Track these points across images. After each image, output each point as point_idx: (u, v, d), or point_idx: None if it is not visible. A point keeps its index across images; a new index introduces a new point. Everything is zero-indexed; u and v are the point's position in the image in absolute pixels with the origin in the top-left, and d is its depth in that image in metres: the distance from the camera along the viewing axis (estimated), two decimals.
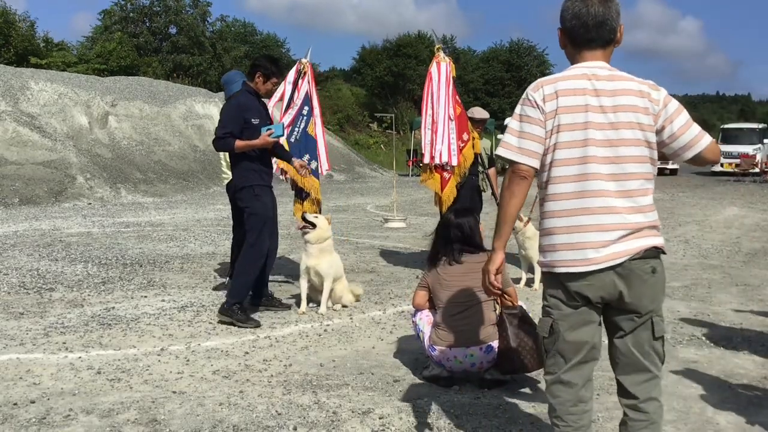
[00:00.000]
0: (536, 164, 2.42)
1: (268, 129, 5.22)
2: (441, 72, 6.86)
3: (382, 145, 34.48)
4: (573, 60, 2.51)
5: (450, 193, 6.87)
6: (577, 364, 2.48)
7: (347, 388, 3.84)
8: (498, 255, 2.49)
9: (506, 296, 3.58)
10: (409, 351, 4.52)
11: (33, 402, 3.59)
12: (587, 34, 2.42)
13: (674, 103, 2.42)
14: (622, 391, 2.51)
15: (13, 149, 15.74)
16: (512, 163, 2.43)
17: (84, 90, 19.27)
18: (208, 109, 22.60)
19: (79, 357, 4.35)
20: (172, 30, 38.62)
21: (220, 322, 5.13)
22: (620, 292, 2.37)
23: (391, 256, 8.28)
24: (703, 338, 4.78)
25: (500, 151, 2.46)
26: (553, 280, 2.46)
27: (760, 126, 29.94)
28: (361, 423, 3.35)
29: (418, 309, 4.09)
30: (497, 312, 3.76)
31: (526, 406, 3.59)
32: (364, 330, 5.05)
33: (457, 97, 6.96)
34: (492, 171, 7.65)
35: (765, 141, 27.70)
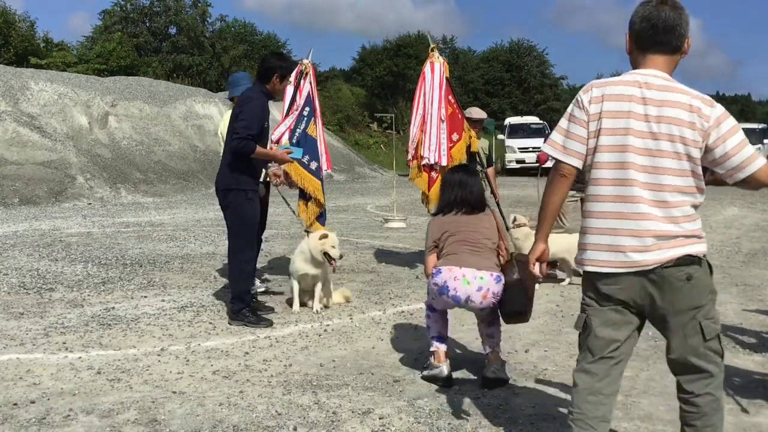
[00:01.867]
0: (578, 164, 2.51)
1: (286, 148, 5.27)
2: (435, 72, 6.87)
3: (382, 145, 34.46)
4: (635, 66, 2.55)
5: (437, 191, 6.88)
6: (602, 359, 2.55)
7: (347, 388, 3.84)
8: (539, 245, 2.62)
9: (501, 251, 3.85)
10: (409, 351, 4.52)
11: (33, 402, 3.59)
12: (655, 37, 2.46)
13: (729, 122, 2.43)
14: (679, 387, 2.60)
15: (13, 149, 15.74)
16: (556, 161, 2.53)
17: (84, 90, 19.26)
18: (208, 109, 22.59)
19: (79, 357, 4.35)
20: (172, 30, 38.62)
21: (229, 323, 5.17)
22: (651, 297, 2.43)
23: (391, 256, 8.28)
24: None
25: (546, 148, 2.58)
26: (587, 278, 2.56)
27: (761, 126, 29.93)
28: (361, 423, 3.35)
29: (432, 273, 3.79)
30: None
31: (526, 406, 3.59)
32: (364, 330, 5.05)
33: (450, 97, 6.96)
34: (491, 170, 7.66)
35: (765, 141, 27.70)
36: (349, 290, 6.01)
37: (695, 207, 2.45)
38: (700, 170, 2.44)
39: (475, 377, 4.02)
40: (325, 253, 5.39)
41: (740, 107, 59.37)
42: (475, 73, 44.59)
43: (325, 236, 5.44)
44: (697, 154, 2.41)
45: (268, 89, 5.22)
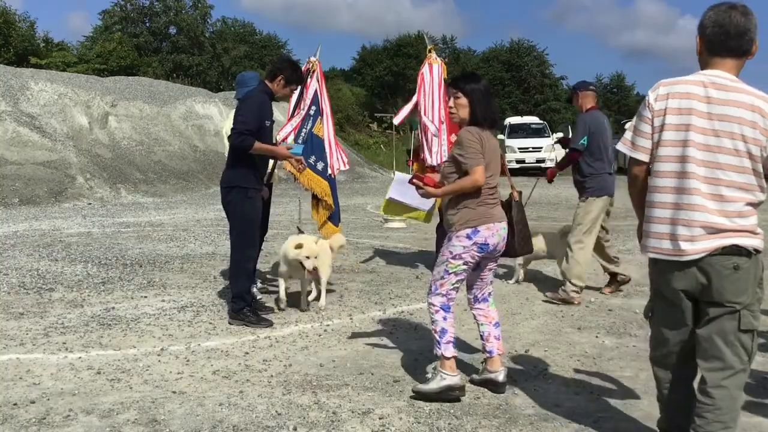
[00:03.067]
0: (645, 159, 2.70)
1: (287, 145, 5.30)
2: (433, 74, 6.86)
3: (382, 145, 34.44)
4: (703, 67, 2.67)
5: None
6: (670, 353, 2.77)
7: (347, 388, 3.84)
8: (639, 230, 2.85)
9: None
10: (409, 351, 4.52)
11: (33, 402, 3.59)
12: (727, 42, 2.58)
13: None
14: (701, 379, 2.67)
15: (13, 149, 15.73)
16: (629, 157, 2.75)
17: (84, 90, 19.26)
18: (208, 109, 22.59)
19: (79, 357, 4.35)
20: (172, 30, 38.62)
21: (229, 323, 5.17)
22: (702, 284, 2.57)
23: (391, 256, 8.28)
24: None
25: (619, 146, 2.81)
26: (650, 265, 2.76)
27: None
28: (361, 423, 3.35)
29: (469, 233, 3.64)
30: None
31: (526, 406, 3.59)
32: (364, 330, 5.05)
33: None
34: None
35: None
36: (341, 238, 6.16)
37: (753, 205, 2.57)
38: (760, 168, 2.55)
39: (475, 377, 4.02)
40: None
41: None
42: None
43: (300, 246, 5.29)
44: (757, 152, 2.52)
45: (270, 89, 5.23)
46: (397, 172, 6.76)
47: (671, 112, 2.59)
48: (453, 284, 3.70)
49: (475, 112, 3.69)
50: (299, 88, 6.60)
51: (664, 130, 2.61)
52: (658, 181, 2.66)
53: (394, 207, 6.63)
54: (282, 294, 5.56)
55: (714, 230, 2.53)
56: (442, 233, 7.17)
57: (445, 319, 3.73)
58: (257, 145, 5.00)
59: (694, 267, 2.55)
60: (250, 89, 5.39)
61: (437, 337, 3.71)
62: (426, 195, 3.75)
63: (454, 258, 3.64)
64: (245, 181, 5.11)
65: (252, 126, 4.98)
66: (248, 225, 5.17)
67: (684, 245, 2.56)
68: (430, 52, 7.04)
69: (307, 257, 5.28)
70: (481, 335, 3.94)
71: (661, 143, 2.62)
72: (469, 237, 3.62)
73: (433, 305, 3.74)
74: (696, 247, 2.54)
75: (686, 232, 2.55)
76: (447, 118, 6.85)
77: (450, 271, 3.67)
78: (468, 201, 3.63)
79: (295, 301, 5.68)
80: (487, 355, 3.88)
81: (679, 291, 2.63)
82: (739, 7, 2.57)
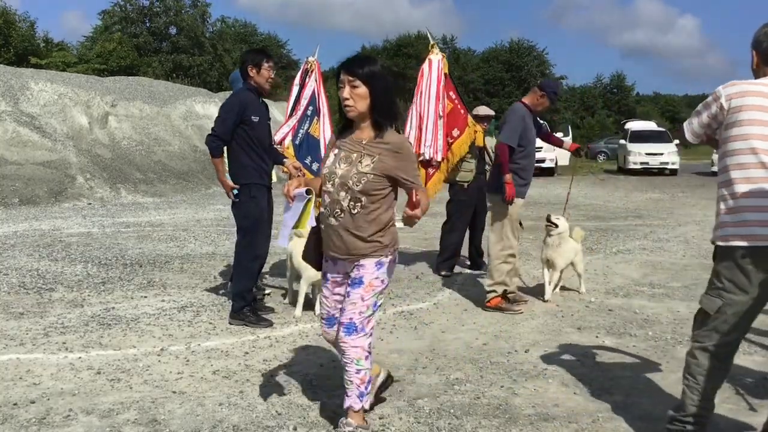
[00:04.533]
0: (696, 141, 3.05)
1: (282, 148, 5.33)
2: (432, 68, 6.83)
3: None
4: (757, 76, 2.90)
5: (434, 187, 6.84)
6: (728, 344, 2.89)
7: None
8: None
9: None
10: (409, 351, 4.52)
11: (33, 402, 3.59)
12: None
13: None
14: None
15: (13, 149, 15.73)
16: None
17: (84, 90, 19.26)
18: (208, 109, 22.59)
19: (79, 357, 4.35)
20: (172, 30, 38.63)
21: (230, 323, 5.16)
22: None
23: None
24: None
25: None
26: (734, 255, 2.80)
27: None
28: None
29: None
30: None
31: (526, 406, 3.59)
32: None
33: (451, 93, 6.89)
34: None
35: None
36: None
37: None
38: None
39: (475, 377, 4.02)
40: None
41: None
42: (475, 73, 44.61)
43: None
44: None
45: (251, 84, 5.23)
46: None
47: (746, 108, 2.78)
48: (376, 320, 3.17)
49: (380, 107, 3.01)
50: (299, 88, 6.61)
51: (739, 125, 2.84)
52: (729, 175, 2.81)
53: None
54: (302, 300, 5.43)
55: None
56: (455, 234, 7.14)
57: (371, 365, 3.15)
58: (217, 161, 5.12)
59: None
60: (242, 84, 5.48)
61: (363, 389, 3.12)
62: (412, 222, 2.93)
63: (385, 287, 3.12)
64: (246, 177, 5.10)
65: (226, 134, 5.05)
66: (251, 224, 5.15)
67: (760, 230, 2.68)
68: (432, 48, 7.01)
69: None
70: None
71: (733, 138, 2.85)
72: (395, 260, 3.17)
73: (362, 348, 3.06)
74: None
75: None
76: (447, 113, 6.82)
77: (378, 303, 3.11)
78: (390, 218, 3.13)
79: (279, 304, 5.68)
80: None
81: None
82: None
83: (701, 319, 2.91)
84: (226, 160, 5.24)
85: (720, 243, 2.81)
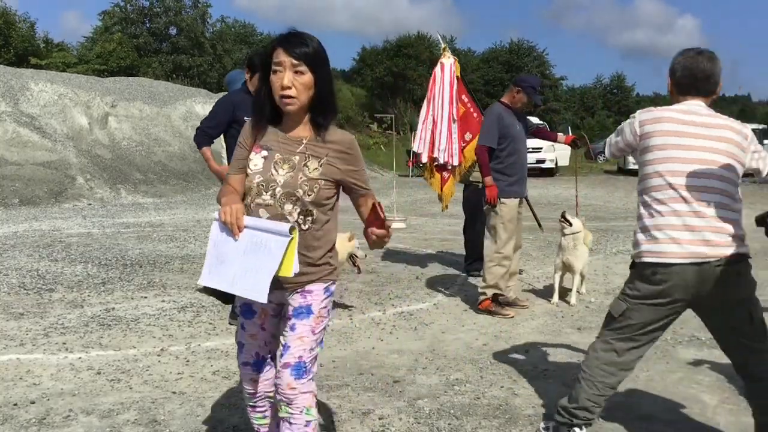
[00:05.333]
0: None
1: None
2: (445, 72, 6.81)
3: (382, 146, 34.44)
4: (672, 101, 2.98)
5: (449, 191, 6.84)
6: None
7: (347, 388, 3.83)
8: None
9: None
10: (409, 351, 4.52)
11: (33, 402, 3.59)
12: (695, 84, 2.89)
13: None
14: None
15: (13, 150, 15.73)
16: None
17: (84, 90, 19.26)
18: (208, 109, 22.46)
19: (79, 357, 4.35)
20: (172, 31, 38.62)
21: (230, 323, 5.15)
22: None
23: (391, 256, 8.28)
24: (703, 338, 4.78)
25: None
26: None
27: (761, 126, 29.91)
28: (361, 423, 3.35)
29: None
30: None
31: (526, 406, 3.59)
32: (364, 330, 5.05)
33: (464, 96, 6.85)
34: None
35: (765, 142, 27.67)
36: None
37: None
38: None
39: (475, 378, 4.02)
40: (350, 256, 5.30)
41: (740, 107, 59.33)
42: (475, 74, 44.56)
43: (352, 237, 5.31)
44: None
45: (248, 87, 5.24)
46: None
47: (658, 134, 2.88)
48: None
49: (324, 99, 2.41)
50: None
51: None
52: None
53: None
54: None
55: None
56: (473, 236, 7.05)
57: (318, 411, 2.58)
58: (204, 150, 5.12)
59: None
60: (237, 84, 5.53)
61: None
62: (382, 244, 2.37)
63: (329, 320, 2.64)
64: None
65: (211, 129, 5.10)
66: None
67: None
68: (444, 51, 6.97)
69: (357, 246, 5.30)
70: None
71: None
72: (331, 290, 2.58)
73: (313, 394, 2.47)
74: None
75: None
76: (459, 116, 6.77)
77: (322, 340, 2.57)
78: (336, 235, 2.58)
79: None
80: None
81: None
82: (705, 54, 2.88)
83: (608, 320, 3.01)
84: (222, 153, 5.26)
85: (635, 259, 2.89)
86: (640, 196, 2.91)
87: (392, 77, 40.93)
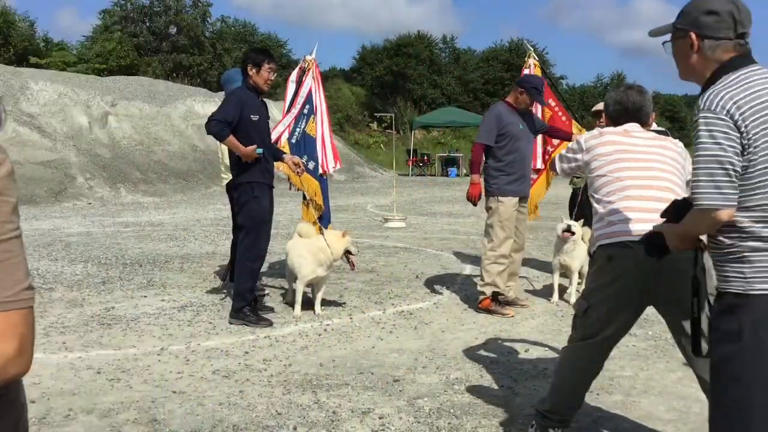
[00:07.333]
0: None
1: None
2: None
3: (381, 145, 34.46)
4: None
5: (539, 191, 6.66)
6: None
7: (347, 387, 3.84)
8: None
9: None
10: (409, 351, 4.52)
11: (33, 402, 3.59)
12: (626, 115, 3.07)
13: None
14: None
15: (13, 149, 15.73)
16: None
17: (84, 90, 19.26)
18: (208, 109, 22.55)
19: (79, 357, 4.35)
20: (172, 30, 38.59)
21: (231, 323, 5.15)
22: None
23: (391, 256, 8.28)
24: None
25: None
26: None
27: None
28: (361, 423, 3.35)
29: None
30: None
31: (526, 406, 3.59)
32: (364, 330, 5.05)
33: (551, 100, 6.62)
34: None
35: None
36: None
37: None
38: None
39: (475, 377, 4.02)
40: (345, 252, 5.36)
41: None
42: (475, 73, 44.56)
43: (345, 233, 5.41)
44: None
45: (250, 83, 5.24)
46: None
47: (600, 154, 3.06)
48: None
49: None
50: (296, 86, 6.59)
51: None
52: None
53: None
54: (299, 300, 5.41)
55: None
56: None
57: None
58: (231, 138, 5.05)
59: None
60: (234, 84, 5.51)
61: None
62: None
63: None
64: (249, 176, 5.12)
65: (229, 117, 5.03)
66: (254, 224, 5.16)
67: None
68: (528, 56, 6.89)
69: (352, 243, 5.38)
70: None
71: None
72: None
73: None
74: None
75: None
76: (550, 118, 6.61)
77: None
78: None
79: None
80: None
81: None
82: (635, 87, 3.11)
83: (574, 321, 3.05)
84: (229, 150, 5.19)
85: (592, 251, 2.95)
86: (592, 198, 3.00)
87: (392, 76, 40.92)
